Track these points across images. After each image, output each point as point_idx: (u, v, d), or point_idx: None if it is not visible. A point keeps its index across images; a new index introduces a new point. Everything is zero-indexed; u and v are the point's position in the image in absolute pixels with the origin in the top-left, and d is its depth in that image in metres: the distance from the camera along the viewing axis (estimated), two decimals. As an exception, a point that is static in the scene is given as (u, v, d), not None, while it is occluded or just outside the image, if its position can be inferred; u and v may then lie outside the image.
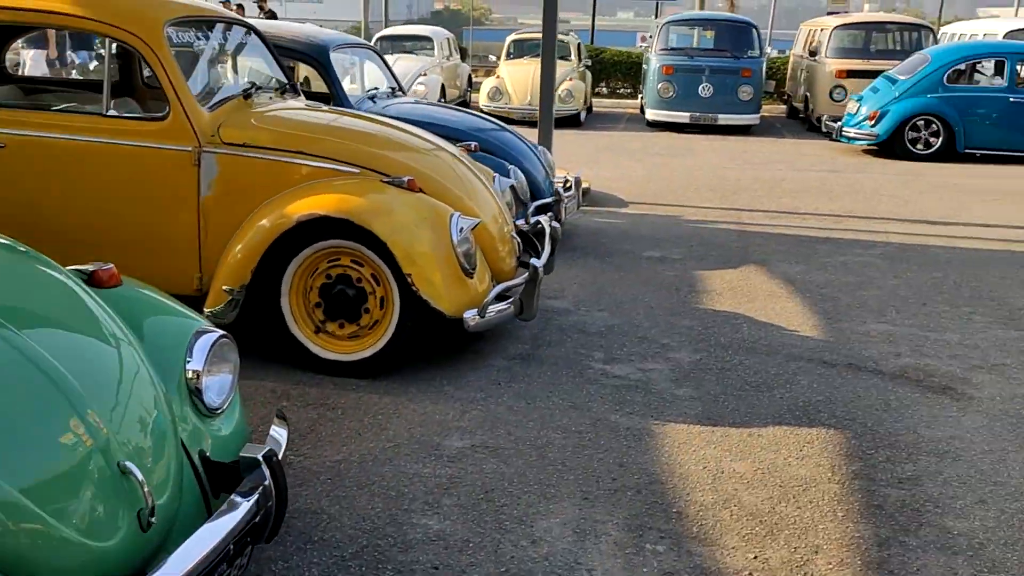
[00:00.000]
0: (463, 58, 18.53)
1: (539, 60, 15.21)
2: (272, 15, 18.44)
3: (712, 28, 14.87)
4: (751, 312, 4.96)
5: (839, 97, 13.38)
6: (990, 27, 14.56)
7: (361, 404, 3.59)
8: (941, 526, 2.85)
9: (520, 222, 5.88)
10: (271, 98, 4.38)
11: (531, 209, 5.97)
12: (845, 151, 11.79)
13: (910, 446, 3.40)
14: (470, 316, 3.74)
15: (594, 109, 16.63)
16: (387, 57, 15.18)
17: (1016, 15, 28.22)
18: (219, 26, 4.47)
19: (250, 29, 4.69)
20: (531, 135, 7.99)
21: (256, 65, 4.82)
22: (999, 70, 11.30)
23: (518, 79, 14.15)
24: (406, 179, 3.85)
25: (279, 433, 2.57)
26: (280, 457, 2.42)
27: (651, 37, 14.52)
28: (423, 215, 3.77)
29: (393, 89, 6.91)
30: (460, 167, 4.34)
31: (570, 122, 14.02)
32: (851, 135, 11.50)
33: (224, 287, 3.74)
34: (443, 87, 14.84)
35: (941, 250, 6.54)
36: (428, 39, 15.76)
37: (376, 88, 6.64)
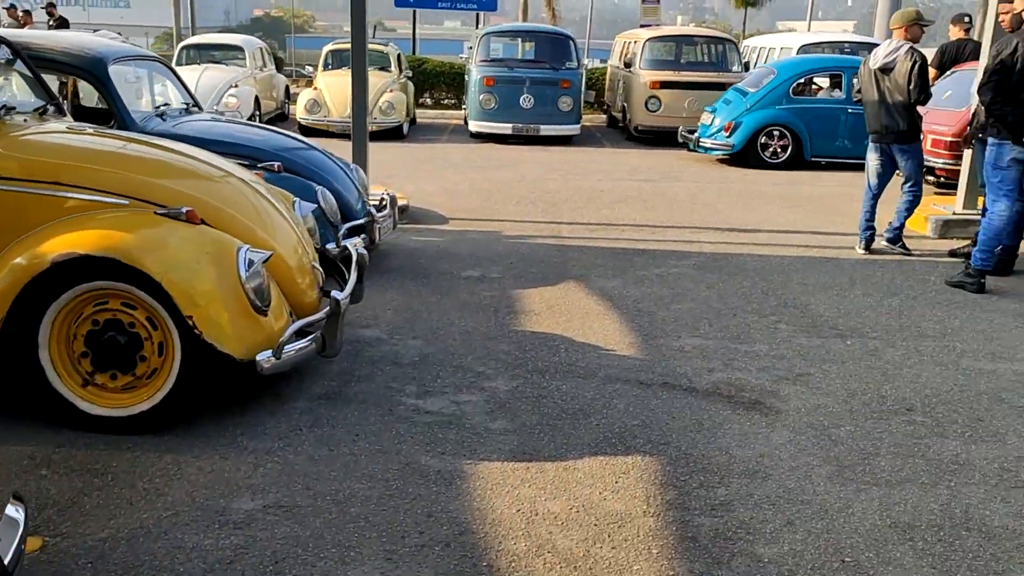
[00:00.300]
0: (279, 68, 17.84)
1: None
2: (63, 22, 17.10)
3: (531, 40, 15.01)
4: (569, 332, 4.87)
5: (654, 107, 13.83)
6: (787, 41, 15.49)
7: (136, 466, 3.18)
8: (752, 554, 2.80)
9: (331, 246, 5.57)
10: (27, 120, 3.86)
11: (342, 231, 5.68)
12: (660, 159, 12.17)
13: (722, 468, 3.36)
14: (264, 358, 3.40)
15: (418, 121, 16.44)
16: (193, 68, 14.46)
17: (809, 29, 30.49)
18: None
19: (5, 43, 4.13)
20: (351, 149, 7.69)
21: (14, 83, 4.26)
22: (836, 83, 11.97)
23: (336, 91, 13.71)
24: (184, 210, 3.46)
25: (15, 518, 2.19)
26: (11, 556, 2.05)
27: (471, 48, 14.48)
28: (204, 249, 3.40)
29: (188, 105, 6.41)
30: (252, 194, 3.98)
31: (392, 135, 13.76)
32: (708, 146, 11.85)
33: (-33, 340, 3.23)
34: (257, 99, 14.19)
35: (750, 258, 6.76)
36: (239, 48, 15.02)
37: (166, 104, 6.12)
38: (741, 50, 15.60)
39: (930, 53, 9.11)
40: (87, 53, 5.57)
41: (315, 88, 14.05)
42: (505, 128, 13.59)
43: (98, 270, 3.23)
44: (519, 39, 15.31)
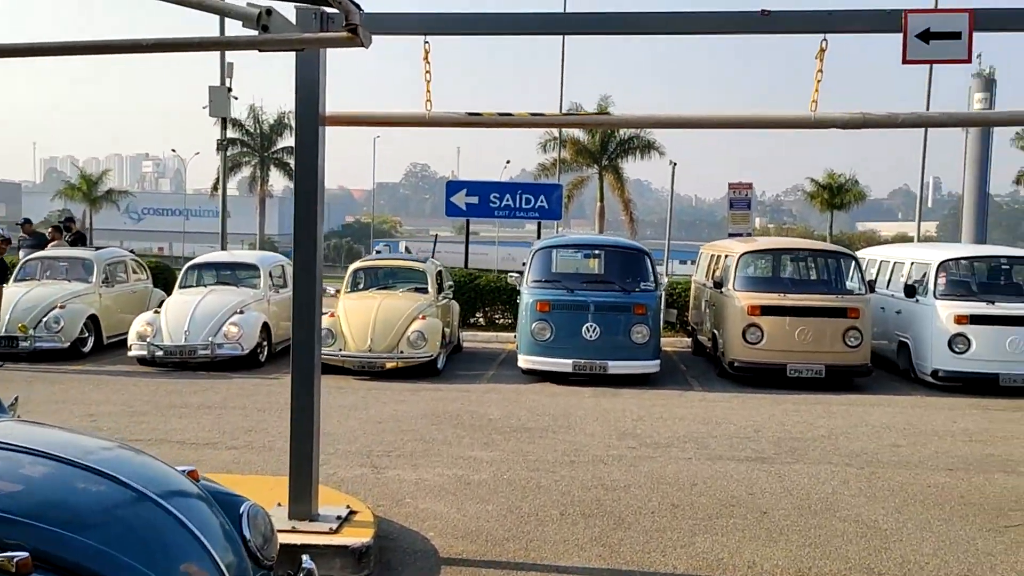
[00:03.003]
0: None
1: (388, 292, 12.46)
2: (80, 237, 15.46)
3: (597, 255, 12.40)
4: None
5: (754, 339, 10.81)
6: (918, 254, 12.46)
7: None
8: None
9: None
10: None
11: None
12: (768, 412, 8.98)
13: None
14: None
15: (464, 347, 13.76)
16: (195, 292, 12.21)
17: (920, 235, 27.47)
18: None
19: None
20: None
21: None
22: None
23: (358, 317, 11.21)
24: None
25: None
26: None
27: (524, 264, 11.92)
28: None
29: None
30: None
31: (424, 371, 11.01)
32: None
33: None
34: (267, 326, 11.79)
35: None
36: (253, 267, 12.83)
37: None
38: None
39: None
40: None
41: (332, 314, 11.54)
42: (564, 365, 10.70)
43: None
44: (582, 254, 12.71)
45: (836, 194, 48.30)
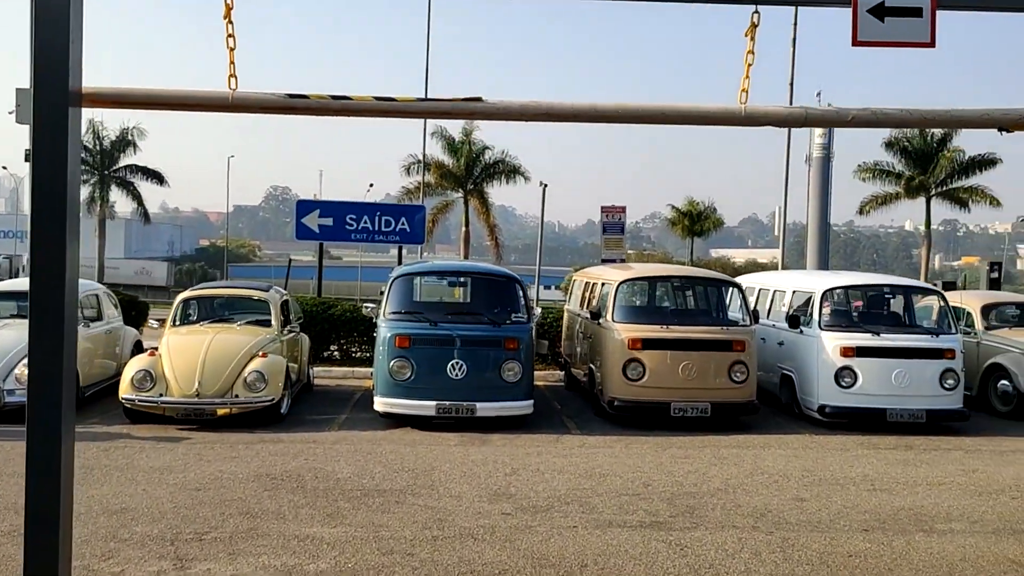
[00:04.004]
0: (135, 318, 13.75)
1: (223, 326, 10.80)
2: None
3: (463, 283, 11.20)
4: None
5: (636, 375, 9.85)
6: (800, 283, 11.93)
7: None
8: None
9: None
10: None
11: None
12: (654, 458, 7.98)
13: None
14: None
15: (315, 385, 12.25)
16: (-17, 324, 10.18)
17: (783, 262, 27.86)
18: None
19: None
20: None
21: None
22: None
23: (184, 356, 9.52)
24: None
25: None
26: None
27: (382, 293, 10.56)
28: None
29: None
30: None
31: (265, 418, 9.46)
32: None
33: None
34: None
35: None
36: (58, 297, 10.88)
37: None
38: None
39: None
40: None
41: (153, 352, 9.81)
42: (426, 408, 9.40)
43: None
44: (446, 282, 11.48)
45: (696, 221, 49.30)
